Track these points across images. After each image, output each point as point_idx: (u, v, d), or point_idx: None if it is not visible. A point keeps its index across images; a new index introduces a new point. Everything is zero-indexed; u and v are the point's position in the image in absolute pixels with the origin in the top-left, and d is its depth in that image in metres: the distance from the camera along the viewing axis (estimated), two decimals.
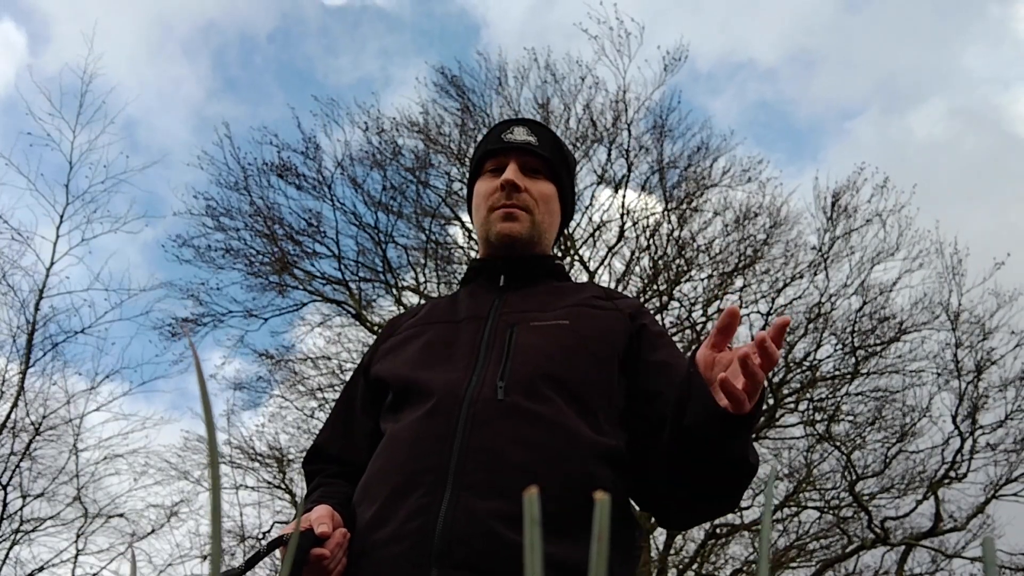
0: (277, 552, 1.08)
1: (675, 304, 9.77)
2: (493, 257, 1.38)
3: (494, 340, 1.20)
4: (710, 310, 9.71)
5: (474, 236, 9.84)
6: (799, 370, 9.71)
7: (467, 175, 1.49)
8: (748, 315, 9.69)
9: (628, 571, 1.11)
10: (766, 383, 0.97)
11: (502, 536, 0.99)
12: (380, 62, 15.36)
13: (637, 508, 1.24)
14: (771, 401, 9.60)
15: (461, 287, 1.43)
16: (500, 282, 1.35)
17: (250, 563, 1.04)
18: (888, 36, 14.96)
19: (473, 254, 9.74)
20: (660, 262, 9.75)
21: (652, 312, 1.38)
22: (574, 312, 1.25)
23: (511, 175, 1.34)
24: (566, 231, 9.77)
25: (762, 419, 10.11)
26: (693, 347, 9.56)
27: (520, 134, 1.38)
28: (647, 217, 9.88)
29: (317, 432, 1.42)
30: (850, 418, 9.69)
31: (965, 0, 15.05)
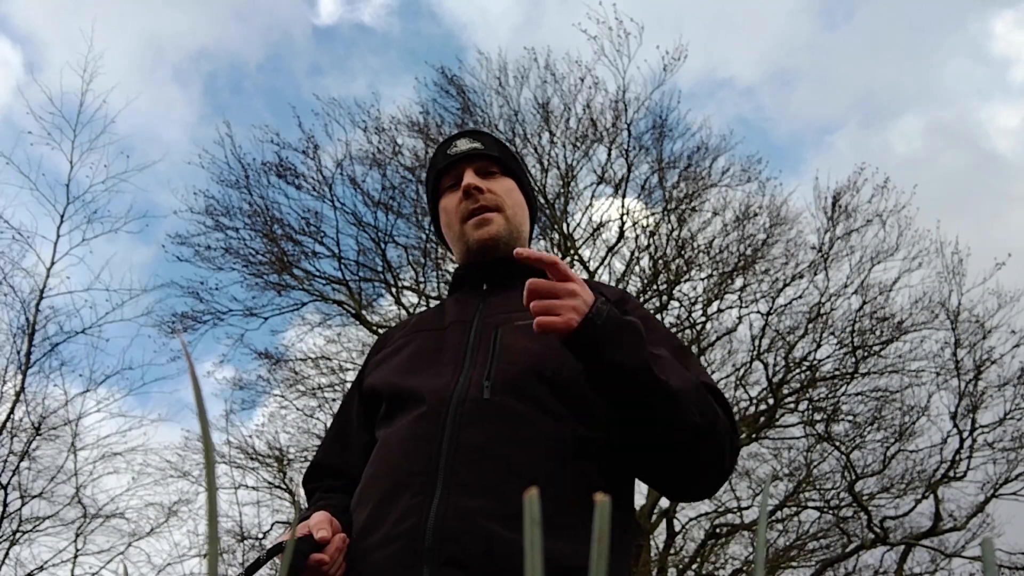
0: (277, 559, 1.08)
1: (675, 304, 9.78)
2: (474, 264, 1.40)
3: (479, 342, 1.22)
4: (710, 310, 9.72)
5: None
6: (799, 370, 9.72)
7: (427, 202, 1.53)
8: (748, 315, 9.70)
9: (622, 568, 1.10)
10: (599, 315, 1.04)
11: (492, 533, 1.00)
12: (368, 79, 15.55)
13: (653, 491, 1.24)
14: (771, 401, 9.61)
15: (448, 296, 1.46)
16: (483, 287, 1.38)
17: (249, 571, 1.04)
18: (865, 53, 15.16)
19: None
20: (660, 262, 9.76)
21: (640, 301, 1.39)
22: None
23: (470, 179, 1.38)
24: (565, 231, 9.81)
25: (761, 418, 10.13)
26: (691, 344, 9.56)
27: (464, 144, 1.44)
28: (647, 217, 9.89)
29: (316, 450, 1.43)
30: (850, 418, 9.70)
31: (942, 17, 15.29)
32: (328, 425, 1.43)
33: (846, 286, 9.56)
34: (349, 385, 8.72)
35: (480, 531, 1.00)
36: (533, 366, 1.15)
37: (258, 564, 1.05)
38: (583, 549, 1.02)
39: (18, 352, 8.59)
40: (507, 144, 1.50)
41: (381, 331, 9.68)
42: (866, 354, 9.55)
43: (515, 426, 1.10)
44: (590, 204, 10.07)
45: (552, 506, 1.02)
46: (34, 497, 8.63)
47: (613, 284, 9.79)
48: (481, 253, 1.38)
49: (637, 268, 9.91)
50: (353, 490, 1.21)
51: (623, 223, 9.79)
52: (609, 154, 9.97)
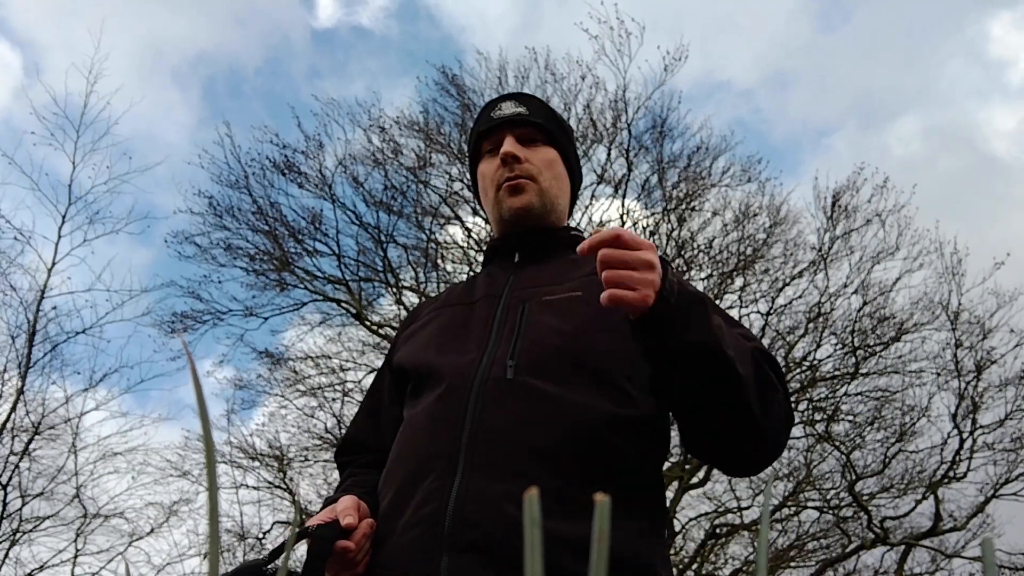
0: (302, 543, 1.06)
1: None
2: (507, 235, 1.36)
3: (506, 318, 1.19)
4: None
5: (474, 235, 9.85)
6: (799, 370, 9.71)
7: (467, 171, 1.51)
8: (748, 315, 9.70)
9: (656, 551, 1.05)
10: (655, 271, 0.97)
11: (514, 517, 0.97)
12: (366, 82, 15.61)
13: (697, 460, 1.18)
14: None
15: (481, 269, 1.43)
16: (515, 259, 1.34)
17: (273, 555, 1.03)
18: (863, 56, 15.20)
19: (473, 253, 9.74)
20: None
21: (679, 271, 1.28)
22: (588, 282, 1.21)
23: (508, 147, 1.32)
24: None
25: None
26: None
27: (509, 107, 1.37)
28: (647, 217, 9.89)
29: (348, 424, 1.42)
30: (850, 418, 9.70)
31: (939, 20, 15.32)
32: (361, 401, 1.41)
33: (846, 286, 9.57)
34: (349, 385, 8.52)
35: (501, 515, 0.97)
36: (559, 344, 1.11)
37: (282, 549, 1.04)
38: (616, 533, 0.98)
39: (18, 352, 8.60)
40: (556, 111, 1.43)
41: (381, 331, 9.69)
42: (866, 354, 9.55)
43: (539, 406, 1.06)
44: (590, 204, 10.07)
45: (579, 488, 1.00)
46: (34, 497, 8.64)
47: None
48: (513, 223, 1.34)
49: None
50: (383, 466, 1.19)
51: (623, 223, 9.79)
52: (609, 154, 9.97)
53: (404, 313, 9.96)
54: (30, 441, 8.55)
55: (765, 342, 9.60)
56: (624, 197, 9.89)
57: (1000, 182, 14.41)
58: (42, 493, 8.67)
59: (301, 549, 1.07)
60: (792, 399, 10.00)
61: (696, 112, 12.41)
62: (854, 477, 9.46)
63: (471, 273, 9.48)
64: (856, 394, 9.70)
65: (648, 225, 9.82)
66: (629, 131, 9.88)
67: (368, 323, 9.91)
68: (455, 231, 10.25)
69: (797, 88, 15.49)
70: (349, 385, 9.83)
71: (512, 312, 1.19)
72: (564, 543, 0.94)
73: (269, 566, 1.00)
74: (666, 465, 9.41)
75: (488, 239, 9.47)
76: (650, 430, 1.12)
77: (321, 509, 1.12)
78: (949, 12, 15.35)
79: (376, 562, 1.05)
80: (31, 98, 10.40)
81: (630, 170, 9.91)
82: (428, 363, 1.19)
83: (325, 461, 9.73)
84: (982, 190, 14.40)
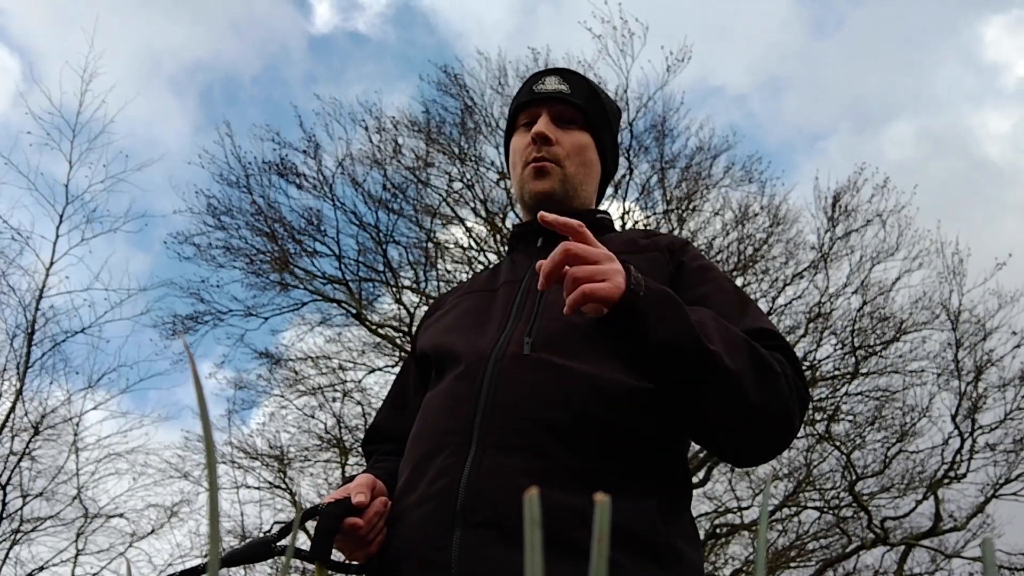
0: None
1: None
2: (531, 220, 1.35)
3: (526, 300, 1.19)
4: None
5: (474, 235, 9.85)
6: None
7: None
8: None
9: (678, 528, 1.02)
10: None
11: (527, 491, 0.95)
12: (363, 87, 15.62)
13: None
14: None
15: (506, 255, 1.42)
16: (538, 244, 1.33)
17: (282, 533, 1.04)
18: (857, 61, 15.24)
19: (474, 254, 9.74)
20: None
21: (700, 250, 1.25)
22: None
23: (541, 127, 1.31)
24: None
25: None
26: None
27: (551, 83, 1.35)
28: (647, 217, 9.88)
29: (374, 413, 1.42)
30: (850, 418, 9.69)
31: (933, 24, 15.36)
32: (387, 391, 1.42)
33: (846, 286, 9.57)
34: (349, 385, 8.53)
35: (515, 490, 0.96)
36: (579, 321, 1.09)
37: (288, 529, 1.04)
38: (634, 510, 0.98)
39: (17, 352, 8.60)
40: (602, 92, 1.39)
41: (381, 331, 9.69)
42: (866, 354, 9.55)
43: (554, 380, 1.04)
44: None
45: (595, 461, 0.99)
46: (35, 497, 8.64)
47: None
48: (534, 207, 1.32)
49: None
50: None
51: (623, 223, 9.78)
52: None
53: (404, 313, 9.97)
54: (30, 441, 8.55)
55: None
56: (624, 198, 9.90)
57: (994, 186, 14.42)
58: (42, 493, 8.67)
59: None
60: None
61: (691, 117, 12.45)
62: (854, 477, 9.45)
63: (473, 271, 9.47)
64: (856, 394, 9.70)
65: (648, 226, 9.82)
66: (631, 131, 9.88)
67: (368, 323, 9.91)
68: (455, 231, 10.25)
69: (791, 93, 15.53)
70: (349, 385, 9.84)
71: (532, 294, 1.19)
72: (580, 517, 0.94)
73: (278, 544, 1.00)
74: None
75: (493, 231, 9.49)
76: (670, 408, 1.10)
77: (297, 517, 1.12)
78: (942, 16, 15.42)
79: (390, 539, 1.05)
80: (28, 100, 10.41)
81: (631, 170, 9.90)
82: (448, 346, 1.19)
83: (325, 461, 9.73)
84: (976, 194, 14.42)
